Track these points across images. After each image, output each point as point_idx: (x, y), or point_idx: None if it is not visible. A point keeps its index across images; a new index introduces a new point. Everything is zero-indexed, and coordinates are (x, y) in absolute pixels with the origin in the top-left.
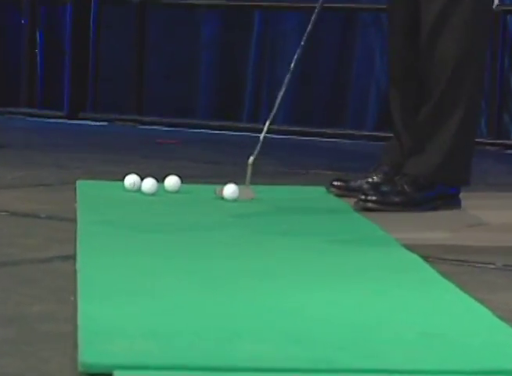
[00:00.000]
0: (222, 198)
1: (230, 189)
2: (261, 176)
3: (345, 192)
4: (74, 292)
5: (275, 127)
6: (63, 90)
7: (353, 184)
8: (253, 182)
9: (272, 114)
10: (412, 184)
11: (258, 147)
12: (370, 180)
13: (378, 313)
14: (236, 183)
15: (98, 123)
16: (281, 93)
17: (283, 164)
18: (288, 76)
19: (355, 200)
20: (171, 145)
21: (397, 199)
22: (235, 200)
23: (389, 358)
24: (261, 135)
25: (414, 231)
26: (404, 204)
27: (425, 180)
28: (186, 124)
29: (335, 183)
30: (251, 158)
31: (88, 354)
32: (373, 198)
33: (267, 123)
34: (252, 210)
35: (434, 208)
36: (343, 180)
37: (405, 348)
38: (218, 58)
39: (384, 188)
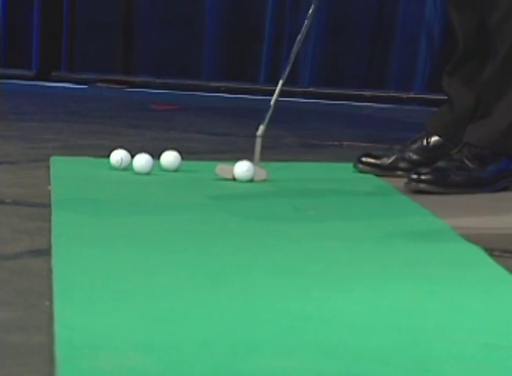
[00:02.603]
0: (230, 179)
1: (244, 167)
2: (281, 151)
3: (376, 170)
4: (49, 295)
5: (299, 89)
6: (31, 44)
7: (386, 161)
8: (267, 159)
9: (286, 73)
10: (476, 158)
11: (269, 114)
12: (407, 157)
13: (431, 319)
14: (249, 160)
15: (75, 85)
16: (295, 49)
17: (310, 135)
18: (305, 26)
19: (405, 180)
20: (169, 112)
21: (458, 178)
22: (250, 181)
23: (444, 374)
24: (273, 99)
25: (476, 218)
26: (467, 183)
27: (490, 151)
28: (187, 86)
29: (364, 159)
30: (261, 128)
31: (67, 372)
32: (428, 177)
33: (279, 83)
34: (269, 192)
35: (504, 188)
36: (374, 155)
37: (464, 362)
38: (227, 3)
39: (441, 164)
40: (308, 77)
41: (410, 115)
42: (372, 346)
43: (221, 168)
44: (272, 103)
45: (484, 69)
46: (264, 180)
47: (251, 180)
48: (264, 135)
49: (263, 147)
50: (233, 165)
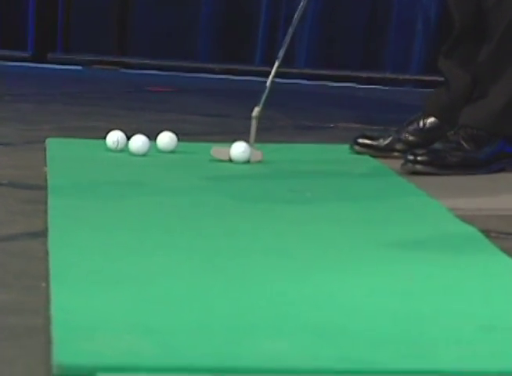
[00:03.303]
0: (225, 160)
1: (240, 148)
2: (276, 132)
3: (372, 151)
4: (46, 277)
5: (295, 70)
6: (26, 25)
7: (382, 142)
8: (262, 140)
9: (282, 54)
10: (472, 139)
11: (265, 95)
12: (404, 138)
13: (426, 302)
14: (245, 141)
15: (71, 66)
16: (291, 30)
17: (305, 116)
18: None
19: (402, 161)
20: (165, 93)
21: (454, 159)
22: (246, 162)
23: (440, 357)
24: (268, 80)
25: (472, 199)
26: (463, 165)
27: (486, 133)
28: (183, 67)
29: (360, 140)
30: (256, 109)
31: (64, 353)
32: (424, 159)
33: (275, 65)
34: (264, 174)
35: (500, 169)
36: (370, 137)
37: (460, 344)
38: None
39: (437, 146)
40: (304, 58)
41: (406, 97)
42: (367, 329)
43: (216, 150)
44: (268, 84)
45: (480, 50)
46: (259, 161)
47: (247, 161)
48: (259, 117)
49: (258, 129)
50: (228, 147)
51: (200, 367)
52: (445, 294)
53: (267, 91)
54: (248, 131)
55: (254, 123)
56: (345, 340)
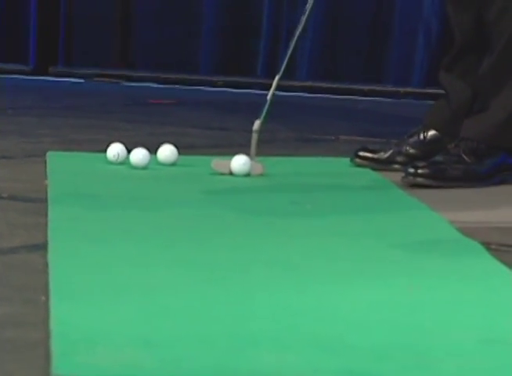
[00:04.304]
0: (226, 173)
1: (241, 160)
2: (276, 145)
3: (372, 164)
4: (45, 290)
5: (296, 83)
6: (28, 39)
7: (383, 155)
8: (263, 153)
9: (283, 68)
10: (473, 152)
11: (266, 109)
12: (404, 151)
13: (428, 315)
14: (246, 154)
15: (73, 80)
16: (292, 43)
17: (307, 129)
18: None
19: (402, 174)
20: (166, 106)
21: (455, 172)
22: (247, 175)
23: (441, 370)
24: (269, 94)
25: (473, 212)
26: (464, 178)
27: (487, 145)
28: (185, 80)
29: (361, 154)
30: (257, 123)
31: (63, 367)
32: (425, 171)
33: (276, 78)
34: (266, 187)
35: (501, 182)
36: (370, 150)
37: (461, 357)
38: None
39: (438, 158)
40: (306, 71)
41: (408, 109)
42: (369, 342)
43: (217, 163)
44: (269, 97)
45: (481, 63)
46: (260, 175)
47: (248, 174)
48: (260, 130)
49: (260, 141)
50: (229, 160)
51: None
52: (446, 307)
53: (268, 104)
54: (249, 144)
55: (254, 136)
56: (347, 352)
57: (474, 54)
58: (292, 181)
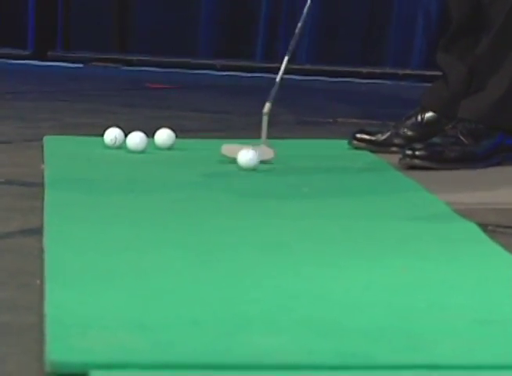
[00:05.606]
0: (230, 160)
1: (248, 155)
2: (274, 128)
3: (370, 146)
4: (40, 275)
5: (295, 66)
6: (27, 23)
7: (380, 137)
8: (261, 137)
9: (292, 48)
10: (471, 133)
11: (274, 91)
12: (402, 133)
13: (423, 296)
14: (253, 146)
15: (71, 64)
16: (301, 23)
17: (305, 112)
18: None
19: (400, 156)
20: (164, 90)
21: (452, 154)
22: (254, 169)
23: (435, 351)
24: (278, 76)
25: (470, 193)
26: (462, 159)
27: (484, 126)
28: (184, 64)
29: (358, 136)
30: (267, 105)
31: (58, 351)
32: (423, 153)
33: (285, 60)
34: (262, 170)
35: (499, 163)
36: (368, 132)
37: (455, 338)
38: None
39: (435, 140)
40: (305, 54)
41: (407, 91)
42: (363, 324)
43: (227, 148)
44: (278, 79)
45: (478, 44)
46: (271, 160)
47: (256, 168)
48: (270, 113)
49: (258, 125)
50: (239, 145)
51: (194, 364)
52: (441, 288)
53: (276, 86)
54: (252, 129)
55: (265, 119)
56: (341, 334)
57: (471, 35)
58: (289, 163)
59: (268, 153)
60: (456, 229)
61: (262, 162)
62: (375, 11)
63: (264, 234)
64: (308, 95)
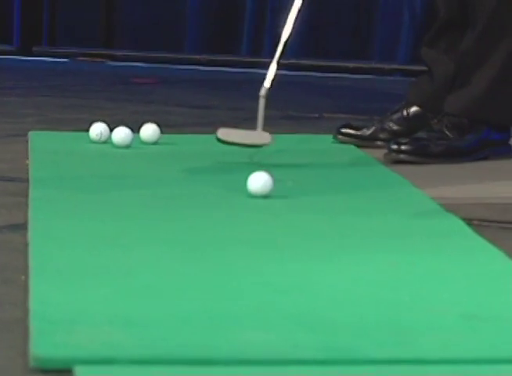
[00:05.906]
0: (222, 141)
1: (260, 181)
2: None
3: (355, 141)
4: (25, 270)
5: (281, 60)
6: (12, 19)
7: (366, 131)
8: (248, 130)
9: (288, 33)
10: (456, 127)
11: (272, 73)
12: (387, 127)
13: (409, 290)
14: (266, 171)
15: (56, 59)
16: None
17: (290, 107)
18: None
19: (385, 151)
20: (150, 85)
21: (438, 148)
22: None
23: (422, 346)
24: (274, 59)
25: (455, 188)
26: (447, 154)
27: (470, 120)
28: (169, 59)
29: (343, 130)
30: (264, 88)
31: (42, 346)
32: (408, 148)
33: (281, 44)
34: (247, 165)
35: (484, 157)
36: (353, 126)
37: (442, 333)
38: None
39: (421, 135)
40: (290, 48)
41: (393, 86)
42: (350, 319)
43: (222, 131)
44: (274, 62)
45: (464, 39)
46: (268, 144)
47: (268, 195)
48: (267, 96)
49: (243, 119)
50: (236, 129)
51: (180, 359)
52: (427, 283)
53: (273, 69)
54: (237, 123)
55: (261, 102)
56: (328, 329)
57: (456, 29)
58: (274, 158)
59: (265, 137)
60: (442, 224)
61: (259, 146)
62: (361, 5)
63: (251, 229)
64: (293, 89)
